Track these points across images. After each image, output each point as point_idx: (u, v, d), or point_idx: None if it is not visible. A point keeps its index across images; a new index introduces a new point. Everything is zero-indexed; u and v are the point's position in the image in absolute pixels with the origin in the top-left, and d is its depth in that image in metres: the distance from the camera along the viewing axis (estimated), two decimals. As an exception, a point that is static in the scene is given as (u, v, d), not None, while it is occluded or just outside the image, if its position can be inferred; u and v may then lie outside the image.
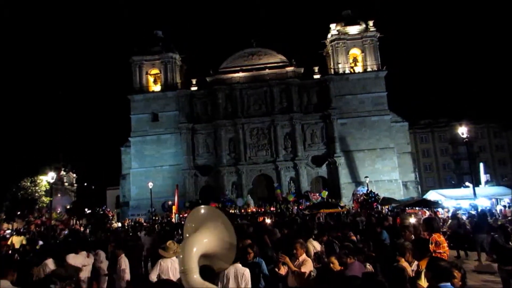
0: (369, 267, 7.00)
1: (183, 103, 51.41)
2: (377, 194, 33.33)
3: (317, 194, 43.38)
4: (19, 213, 38.06)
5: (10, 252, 14.66)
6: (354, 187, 43.73)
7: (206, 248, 3.37)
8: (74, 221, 42.62)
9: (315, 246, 8.93)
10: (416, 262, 6.13)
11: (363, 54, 51.54)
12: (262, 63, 51.87)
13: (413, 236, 8.61)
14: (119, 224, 36.35)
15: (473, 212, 20.30)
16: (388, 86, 50.20)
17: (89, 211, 42.26)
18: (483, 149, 58.20)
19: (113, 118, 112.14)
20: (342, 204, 37.71)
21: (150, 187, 40.89)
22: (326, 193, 43.39)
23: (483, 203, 26.08)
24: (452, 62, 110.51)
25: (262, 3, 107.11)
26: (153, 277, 7.66)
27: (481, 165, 37.72)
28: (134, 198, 50.14)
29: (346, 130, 49.43)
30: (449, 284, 4.20)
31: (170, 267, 7.63)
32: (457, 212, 23.21)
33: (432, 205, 25.79)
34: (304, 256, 7.29)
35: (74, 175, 72.58)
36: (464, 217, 20.98)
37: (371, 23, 51.76)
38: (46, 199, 37.91)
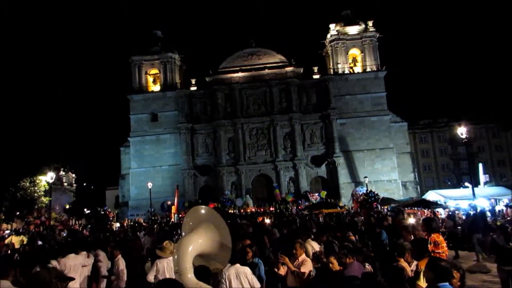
0: (368, 267, 7.01)
1: (183, 103, 51.37)
2: (377, 194, 33.27)
3: (316, 194, 43.44)
4: (18, 213, 37.97)
5: (9, 252, 14.66)
6: (353, 187, 43.69)
7: (201, 249, 3.41)
8: (73, 221, 42.59)
9: (313, 246, 8.93)
10: (415, 262, 6.14)
11: (362, 54, 51.57)
12: (262, 63, 51.86)
13: (412, 236, 8.61)
14: (118, 225, 36.31)
15: (472, 212, 20.33)
16: (388, 86, 50.32)
17: (89, 211, 42.21)
18: (482, 150, 58.23)
19: (112, 118, 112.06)
20: (341, 204, 37.76)
21: (150, 187, 40.94)
22: (325, 193, 43.44)
23: (482, 204, 26.09)
24: (452, 62, 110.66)
25: (262, 3, 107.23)
26: (151, 277, 7.66)
27: (480, 165, 37.73)
28: (134, 198, 50.10)
29: (346, 130, 49.44)
30: (448, 284, 4.20)
31: (166, 267, 7.62)
32: (455, 212, 23.24)
33: (432, 205, 25.78)
34: (303, 256, 7.32)
35: (73, 175, 72.32)
36: (463, 217, 21.01)
37: (370, 23, 51.80)
38: (45, 199, 37.84)
